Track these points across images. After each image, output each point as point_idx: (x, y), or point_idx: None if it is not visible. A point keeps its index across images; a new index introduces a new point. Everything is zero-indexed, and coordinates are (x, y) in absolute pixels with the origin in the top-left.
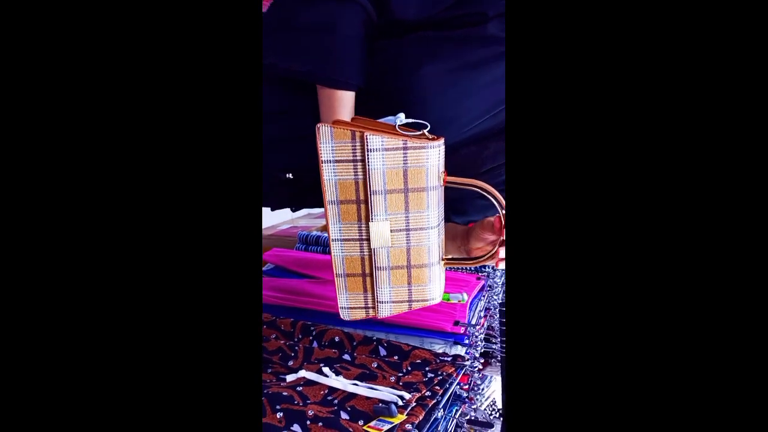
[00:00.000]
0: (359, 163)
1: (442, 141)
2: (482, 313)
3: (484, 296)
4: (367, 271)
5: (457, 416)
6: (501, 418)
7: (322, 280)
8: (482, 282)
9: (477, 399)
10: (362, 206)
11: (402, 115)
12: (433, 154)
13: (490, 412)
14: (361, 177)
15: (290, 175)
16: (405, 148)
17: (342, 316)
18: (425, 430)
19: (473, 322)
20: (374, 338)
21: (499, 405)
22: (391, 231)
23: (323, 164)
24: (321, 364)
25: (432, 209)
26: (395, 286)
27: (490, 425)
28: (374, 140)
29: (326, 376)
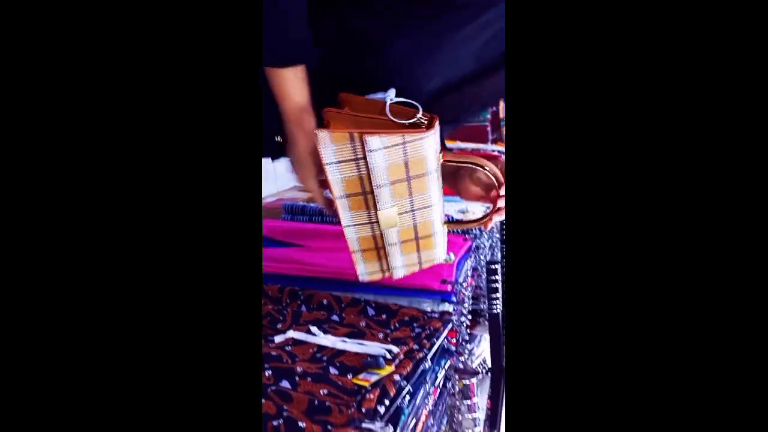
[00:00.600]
0: (361, 161)
1: (437, 124)
2: (470, 273)
3: (471, 256)
4: (380, 245)
5: (446, 367)
6: (489, 374)
7: (308, 248)
8: (469, 243)
9: (466, 355)
10: (369, 196)
11: (392, 92)
12: (430, 142)
13: (480, 370)
14: (364, 172)
15: (279, 138)
16: (404, 143)
17: (360, 279)
18: (413, 380)
19: (460, 280)
20: (362, 299)
21: (489, 363)
22: (395, 215)
23: (327, 166)
24: (309, 326)
25: (433, 189)
26: (406, 254)
27: (475, 372)
28: (373, 142)
29: (314, 335)
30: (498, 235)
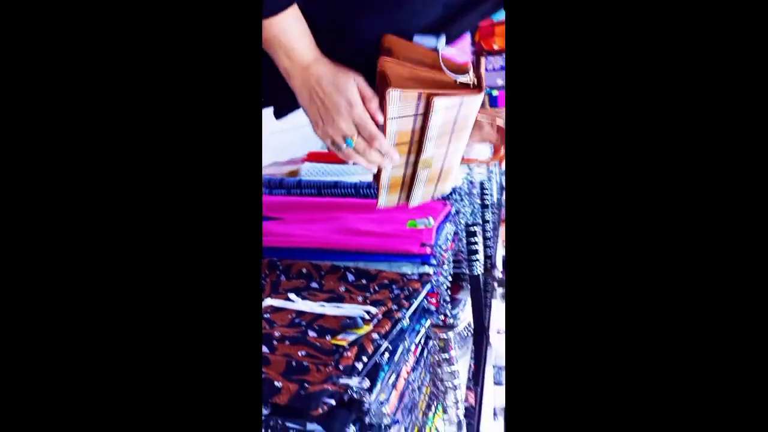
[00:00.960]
0: (420, 116)
1: (484, 87)
2: (450, 237)
3: (451, 221)
4: (406, 182)
5: (426, 326)
6: (472, 335)
7: (286, 220)
8: (449, 208)
9: (449, 315)
10: (414, 146)
11: (443, 40)
12: (479, 101)
13: (466, 335)
14: (419, 126)
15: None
16: (461, 104)
17: (378, 207)
18: (391, 338)
19: (440, 243)
20: (342, 266)
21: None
22: (433, 160)
23: (388, 120)
24: (288, 293)
25: (466, 138)
26: (426, 187)
27: (452, 326)
28: (439, 102)
29: (293, 301)
30: (479, 201)
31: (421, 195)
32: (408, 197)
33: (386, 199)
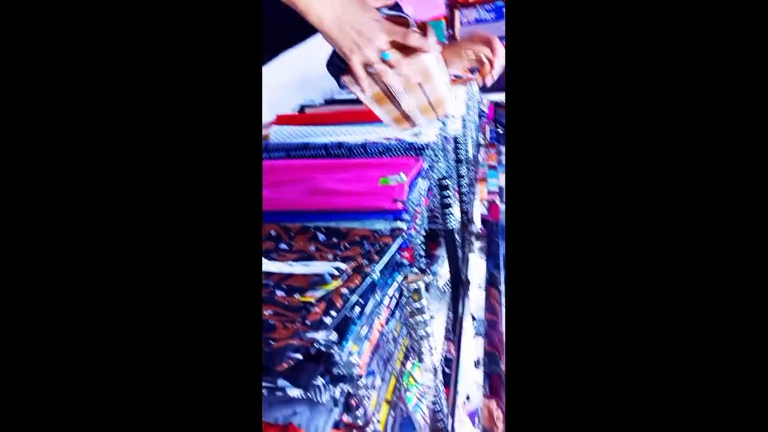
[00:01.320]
0: (381, 83)
1: (430, 33)
2: (424, 193)
3: (424, 177)
4: (406, 115)
5: (399, 280)
6: (450, 289)
7: None
8: (422, 163)
9: (428, 274)
10: (392, 97)
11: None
12: (432, 56)
13: (445, 290)
14: (385, 88)
15: None
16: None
17: (393, 132)
18: (361, 292)
19: (413, 198)
20: (312, 226)
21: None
22: (414, 102)
23: (359, 94)
24: None
25: (438, 76)
26: (425, 115)
27: (424, 272)
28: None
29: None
30: (454, 156)
31: (423, 121)
32: (413, 123)
33: (397, 127)
